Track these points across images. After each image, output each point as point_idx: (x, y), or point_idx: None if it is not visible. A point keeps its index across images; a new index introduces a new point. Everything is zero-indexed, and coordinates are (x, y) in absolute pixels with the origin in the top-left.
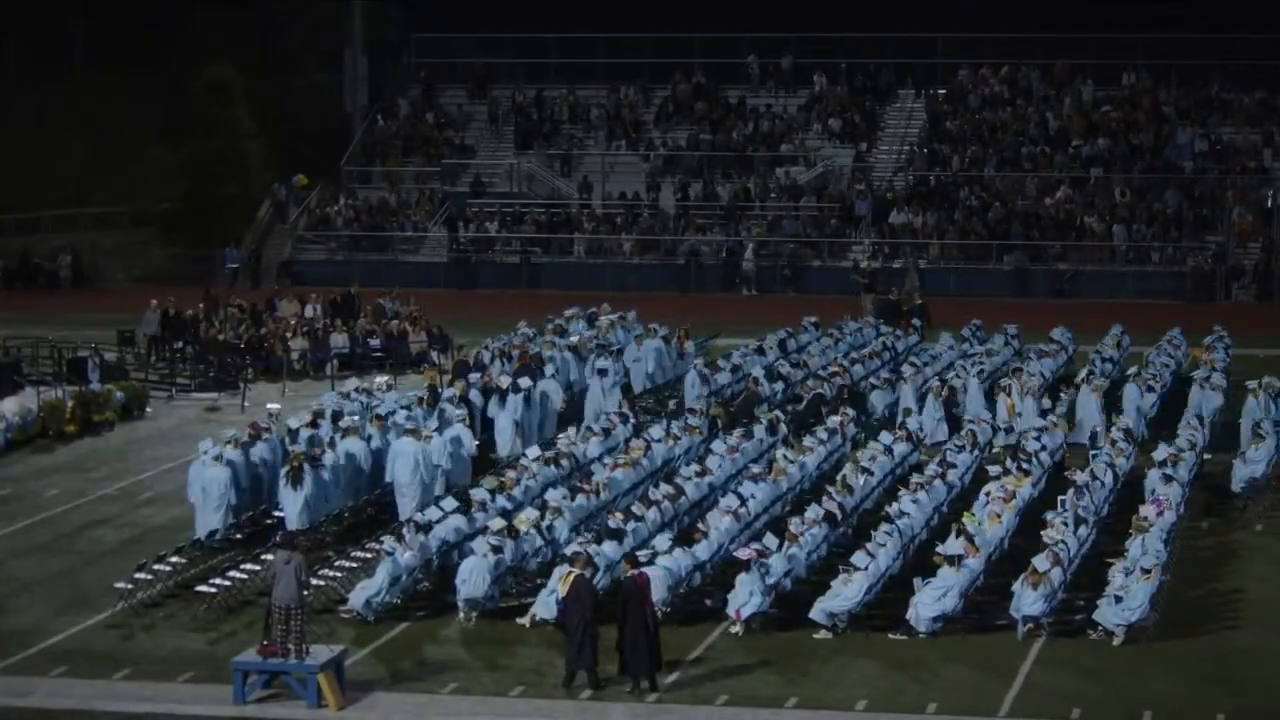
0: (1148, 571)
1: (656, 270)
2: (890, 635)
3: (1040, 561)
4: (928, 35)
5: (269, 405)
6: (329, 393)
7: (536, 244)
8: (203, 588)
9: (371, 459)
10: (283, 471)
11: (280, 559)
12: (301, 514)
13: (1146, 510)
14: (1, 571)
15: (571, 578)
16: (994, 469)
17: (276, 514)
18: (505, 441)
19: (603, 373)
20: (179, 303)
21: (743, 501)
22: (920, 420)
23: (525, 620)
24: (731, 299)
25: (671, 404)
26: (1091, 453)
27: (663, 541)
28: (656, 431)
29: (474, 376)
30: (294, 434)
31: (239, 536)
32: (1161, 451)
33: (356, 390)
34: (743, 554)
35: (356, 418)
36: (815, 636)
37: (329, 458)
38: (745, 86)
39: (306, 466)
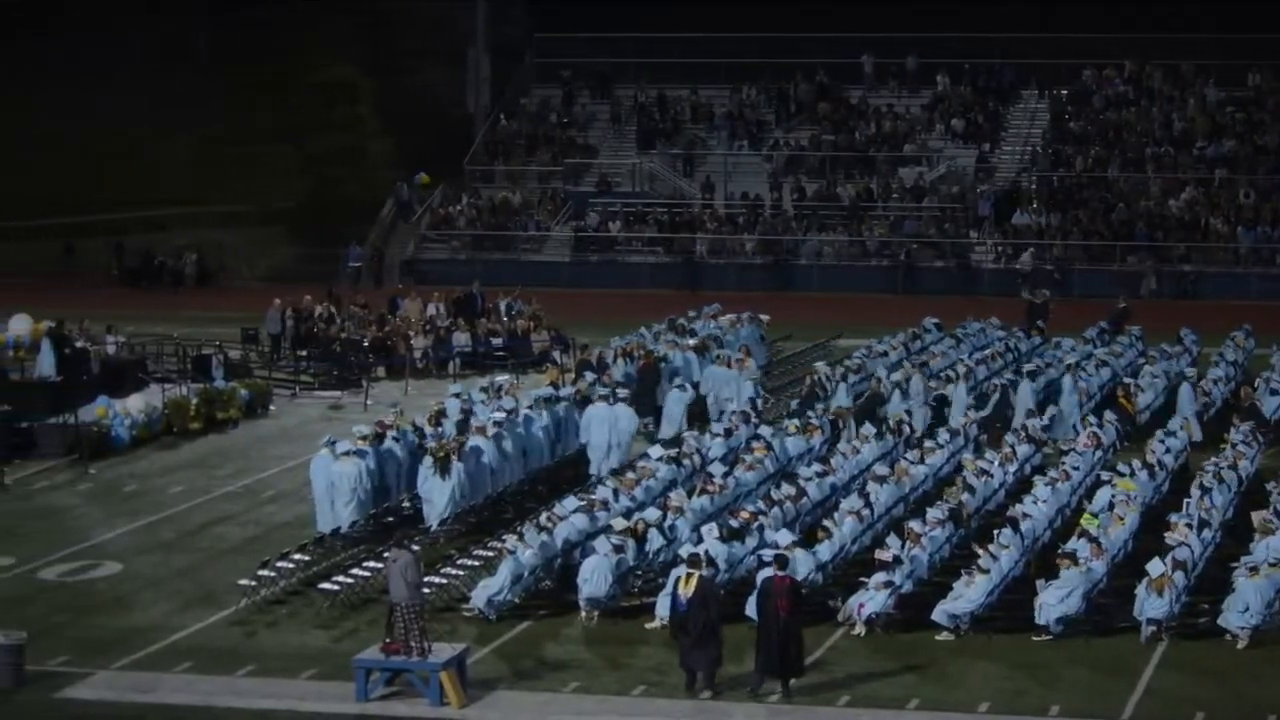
0: (1255, 570)
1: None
2: (1035, 639)
3: (1154, 566)
4: (1051, 35)
5: (389, 404)
6: (450, 396)
7: (658, 244)
8: (325, 585)
9: (498, 455)
10: (428, 461)
11: (389, 559)
12: (448, 505)
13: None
14: (127, 568)
15: (695, 579)
16: (1105, 475)
17: (404, 508)
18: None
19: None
20: (297, 301)
21: (867, 503)
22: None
23: (655, 624)
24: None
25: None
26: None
27: (784, 537)
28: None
29: (592, 376)
30: (420, 431)
31: (360, 533)
32: None
33: (481, 390)
34: (884, 555)
35: (487, 416)
36: (937, 638)
37: (487, 448)
38: (866, 86)
39: (454, 457)
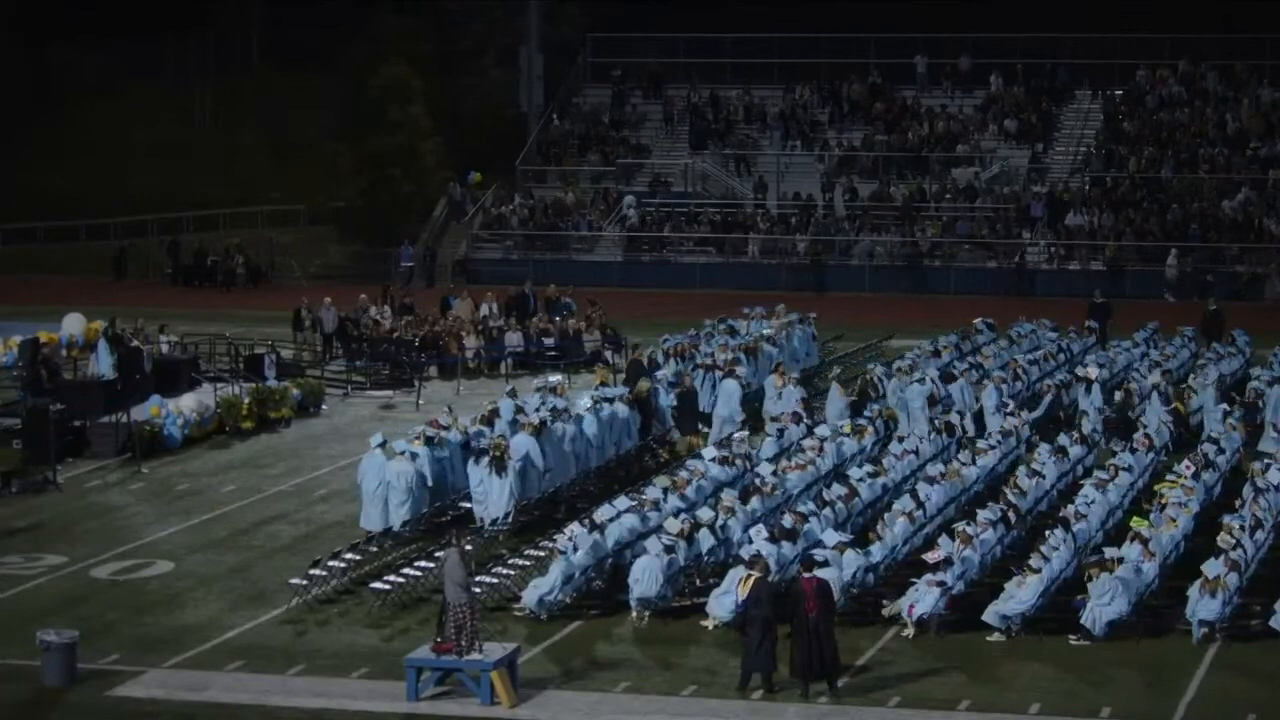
0: None
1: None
2: (1071, 640)
3: (1211, 567)
4: (1105, 35)
5: (443, 405)
6: (505, 398)
7: (710, 244)
8: (377, 584)
9: (545, 455)
10: (485, 460)
11: (441, 558)
12: (507, 503)
13: None
14: (179, 566)
15: (751, 580)
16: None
17: (464, 504)
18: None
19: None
20: (313, 302)
21: (919, 504)
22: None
23: (708, 624)
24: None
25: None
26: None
27: (831, 537)
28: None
29: (657, 374)
30: (480, 432)
31: (412, 533)
32: None
33: (535, 390)
34: (932, 558)
35: (537, 413)
36: (989, 639)
37: (531, 447)
38: (919, 87)
39: (506, 456)
